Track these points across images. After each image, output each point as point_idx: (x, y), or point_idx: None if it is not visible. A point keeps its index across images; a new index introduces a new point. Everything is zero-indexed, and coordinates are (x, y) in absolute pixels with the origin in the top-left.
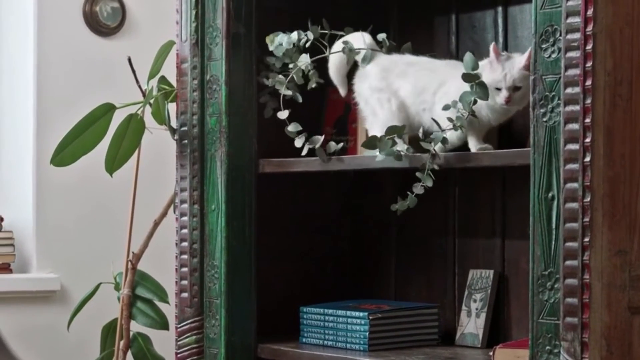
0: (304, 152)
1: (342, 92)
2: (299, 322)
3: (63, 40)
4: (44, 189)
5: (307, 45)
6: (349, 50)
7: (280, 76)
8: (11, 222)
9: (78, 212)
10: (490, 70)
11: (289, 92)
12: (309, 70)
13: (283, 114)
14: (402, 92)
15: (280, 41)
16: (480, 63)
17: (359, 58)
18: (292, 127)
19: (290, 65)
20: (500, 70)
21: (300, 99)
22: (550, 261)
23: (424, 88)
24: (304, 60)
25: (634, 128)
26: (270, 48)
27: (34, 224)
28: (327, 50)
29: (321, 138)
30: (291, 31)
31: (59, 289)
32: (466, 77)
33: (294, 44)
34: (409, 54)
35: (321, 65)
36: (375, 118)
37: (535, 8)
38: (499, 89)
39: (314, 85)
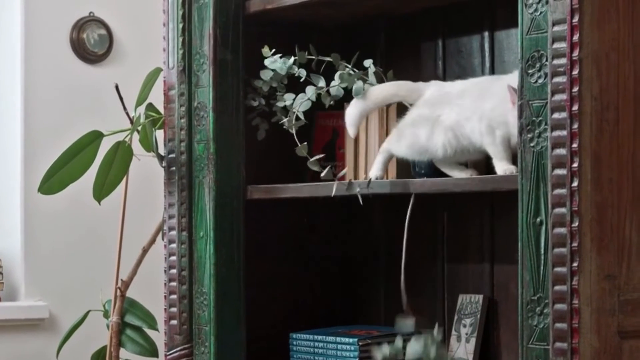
0: (333, 193)
1: (352, 132)
2: (288, 348)
3: (50, 68)
4: (32, 217)
5: (302, 80)
6: (348, 75)
7: (288, 95)
8: None
9: (66, 239)
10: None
11: (293, 131)
12: (317, 98)
13: (302, 148)
14: (449, 123)
15: (274, 61)
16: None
17: (355, 92)
18: (315, 159)
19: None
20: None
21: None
22: (539, 286)
23: (472, 113)
24: (300, 100)
25: (621, 153)
26: (266, 63)
27: (23, 252)
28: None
29: (344, 170)
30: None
31: (48, 317)
32: None
33: (286, 73)
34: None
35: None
36: (413, 143)
37: (521, 33)
38: None
39: (332, 103)
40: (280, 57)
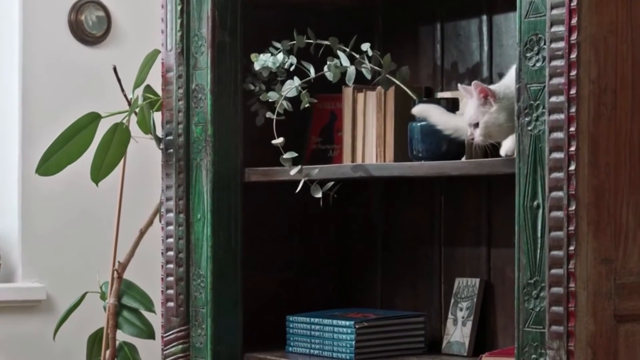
0: (299, 188)
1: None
2: (285, 331)
3: (48, 50)
4: (30, 199)
5: (292, 69)
6: (335, 67)
7: (272, 93)
8: None
9: (64, 221)
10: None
11: (282, 117)
12: (299, 92)
13: (278, 141)
14: None
15: (264, 62)
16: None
17: (348, 78)
18: (287, 155)
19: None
20: (467, 108)
21: (290, 108)
22: (535, 270)
23: None
24: (289, 87)
25: (619, 136)
26: (256, 67)
27: (20, 233)
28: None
29: (316, 169)
30: (277, 40)
31: (45, 299)
32: None
33: (278, 66)
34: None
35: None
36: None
37: (519, 17)
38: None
39: (307, 106)
40: (270, 56)
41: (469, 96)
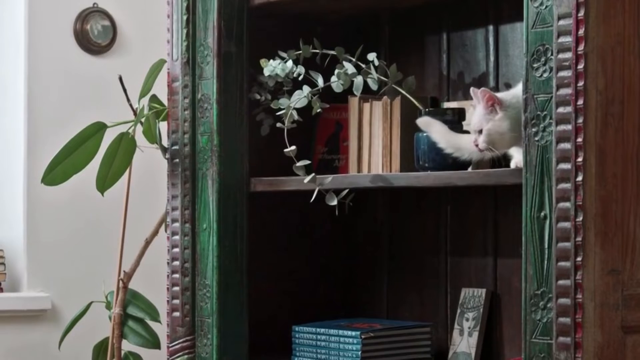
0: (314, 197)
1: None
2: (291, 341)
3: (54, 59)
4: (35, 208)
5: (300, 78)
6: (345, 74)
7: (283, 100)
8: (2, 240)
9: (69, 231)
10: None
11: (293, 125)
12: (310, 99)
13: (291, 149)
14: None
15: (274, 69)
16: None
17: (356, 87)
18: (300, 163)
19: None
20: (474, 114)
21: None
22: (542, 280)
23: None
24: (298, 97)
25: (626, 147)
26: (266, 73)
27: (25, 242)
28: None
29: (329, 178)
30: (284, 50)
31: (50, 308)
32: None
33: (287, 75)
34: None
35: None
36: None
37: (526, 27)
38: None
39: (319, 111)
40: (279, 63)
41: (477, 102)
